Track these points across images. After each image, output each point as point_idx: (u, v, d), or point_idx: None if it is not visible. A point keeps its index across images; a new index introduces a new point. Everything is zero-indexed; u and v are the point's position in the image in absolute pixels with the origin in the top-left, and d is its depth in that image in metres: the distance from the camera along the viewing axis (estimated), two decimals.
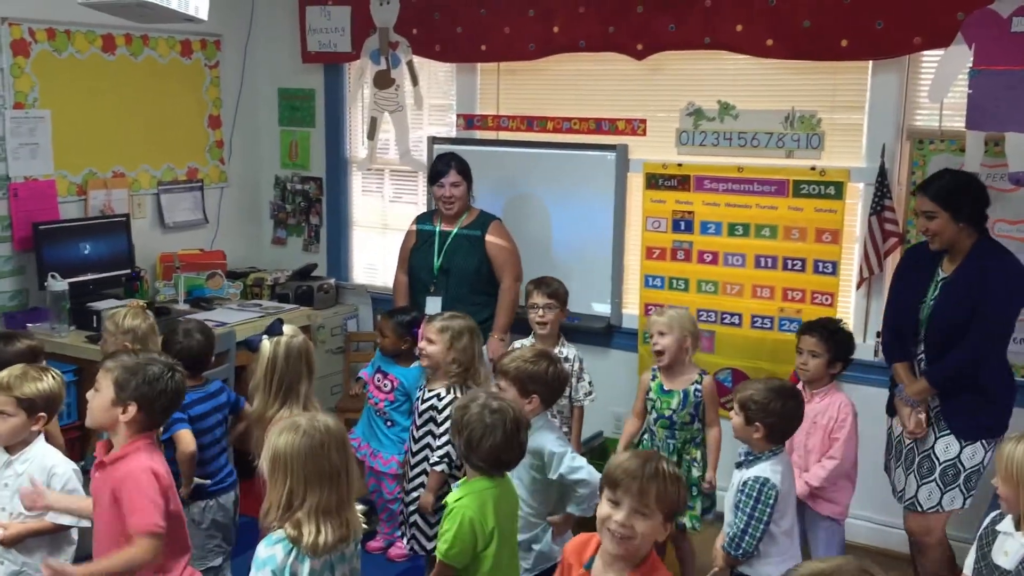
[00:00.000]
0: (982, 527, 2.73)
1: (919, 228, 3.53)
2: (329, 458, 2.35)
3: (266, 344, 3.23)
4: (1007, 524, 2.64)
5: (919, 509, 3.55)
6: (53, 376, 3.06)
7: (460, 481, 2.85)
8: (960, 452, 3.47)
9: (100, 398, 2.65)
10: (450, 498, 2.73)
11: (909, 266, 3.69)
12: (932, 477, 3.51)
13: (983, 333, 3.40)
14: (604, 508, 2.20)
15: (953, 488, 3.48)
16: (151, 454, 2.66)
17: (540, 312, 4.08)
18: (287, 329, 3.29)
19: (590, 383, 4.12)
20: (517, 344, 4.16)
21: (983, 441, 3.46)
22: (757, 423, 3.00)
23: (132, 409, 2.61)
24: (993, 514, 2.73)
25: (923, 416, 3.51)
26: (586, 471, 3.10)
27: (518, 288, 4.53)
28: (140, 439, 2.65)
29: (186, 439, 3.33)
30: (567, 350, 4.12)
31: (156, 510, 2.56)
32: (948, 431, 3.49)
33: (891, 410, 3.73)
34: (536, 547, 3.15)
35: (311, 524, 2.31)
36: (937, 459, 3.50)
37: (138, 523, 2.54)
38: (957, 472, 3.47)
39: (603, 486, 2.24)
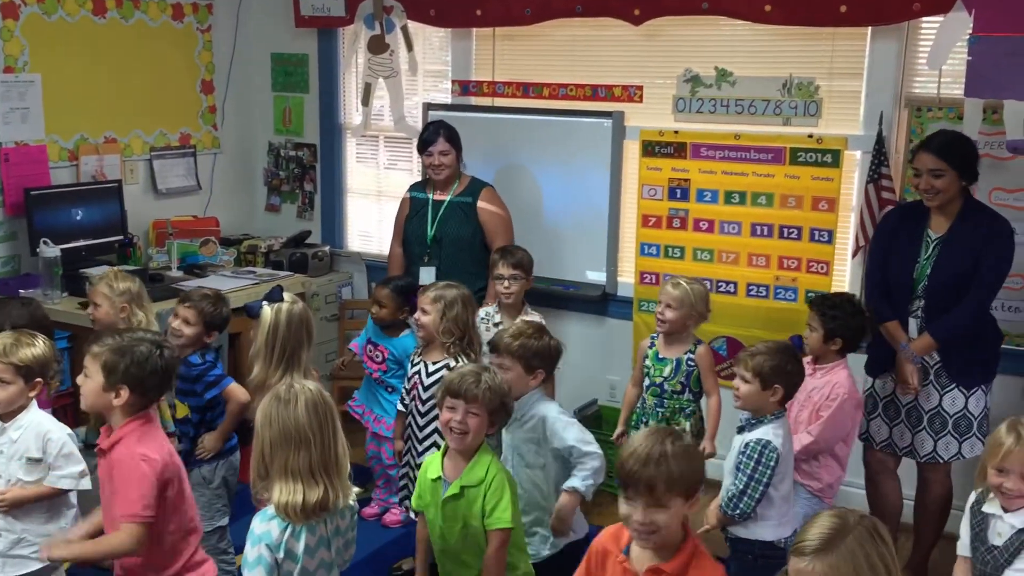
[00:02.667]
0: (968, 506, 2.78)
1: (922, 186, 3.52)
2: (296, 419, 2.33)
3: (267, 311, 3.21)
4: (995, 506, 2.69)
5: (940, 461, 3.63)
6: (43, 341, 3.05)
7: (438, 453, 2.86)
8: (966, 402, 3.56)
9: (90, 384, 2.60)
10: (472, 478, 2.70)
11: (894, 228, 3.70)
12: (946, 431, 3.59)
13: (988, 286, 3.49)
14: (623, 507, 2.17)
15: (970, 436, 3.58)
16: (142, 437, 2.60)
17: (505, 284, 4.05)
18: (287, 296, 3.28)
19: None
20: (482, 313, 4.13)
21: (983, 386, 3.58)
22: (776, 386, 3.04)
23: (124, 393, 2.58)
24: (976, 493, 2.77)
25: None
26: (596, 445, 3.09)
27: None
28: (133, 421, 2.61)
29: (237, 392, 3.44)
30: (530, 318, 4.11)
31: (141, 499, 2.51)
32: (952, 385, 3.57)
33: (873, 371, 3.76)
34: (540, 530, 3.12)
35: (285, 486, 2.31)
36: (947, 413, 3.58)
37: (123, 511, 2.52)
38: (970, 422, 3.58)
39: (618, 482, 2.20)
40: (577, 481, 3.03)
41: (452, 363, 3.54)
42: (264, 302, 3.25)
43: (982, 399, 3.58)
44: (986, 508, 2.71)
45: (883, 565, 1.89)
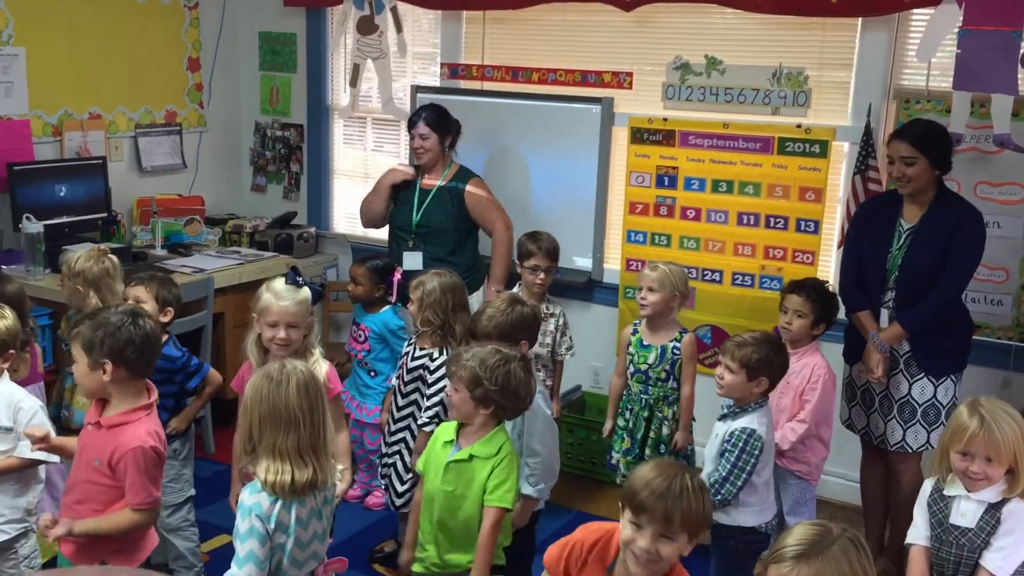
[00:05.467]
0: (927, 495, 2.76)
1: (894, 173, 3.54)
2: (287, 399, 2.33)
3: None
4: (957, 488, 2.67)
5: (909, 450, 3.65)
6: (10, 312, 3.06)
7: (439, 426, 2.86)
8: (935, 392, 3.58)
9: (79, 367, 2.62)
10: (484, 451, 2.71)
11: (868, 218, 3.72)
12: (915, 419, 3.62)
13: (958, 276, 3.50)
14: (627, 531, 2.12)
15: (938, 426, 3.59)
16: (149, 427, 2.63)
17: (541, 276, 4.07)
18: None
19: (571, 339, 4.17)
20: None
21: (951, 376, 3.59)
22: (762, 378, 3.06)
23: (109, 367, 2.57)
24: (931, 482, 2.76)
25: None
26: (550, 445, 3.08)
27: (511, 236, 4.48)
28: (139, 409, 2.62)
29: (216, 377, 3.56)
30: (554, 307, 4.15)
31: (156, 486, 2.61)
32: (921, 374, 3.59)
33: (851, 358, 3.79)
34: None
35: (273, 464, 2.31)
36: (916, 402, 3.61)
37: (140, 499, 2.57)
38: (938, 411, 3.59)
39: (625, 505, 2.15)
40: (530, 489, 3.05)
41: (435, 353, 3.52)
42: (308, 285, 3.14)
43: (951, 389, 3.60)
44: (948, 491, 2.69)
45: (864, 575, 1.87)
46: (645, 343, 3.75)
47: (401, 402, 3.62)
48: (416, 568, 2.86)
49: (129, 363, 2.60)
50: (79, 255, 3.59)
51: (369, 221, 4.76)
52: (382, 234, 4.96)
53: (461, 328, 3.53)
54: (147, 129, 5.28)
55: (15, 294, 3.39)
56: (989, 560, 2.61)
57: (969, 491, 2.66)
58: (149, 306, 3.38)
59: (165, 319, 3.44)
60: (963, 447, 2.61)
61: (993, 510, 2.63)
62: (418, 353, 3.58)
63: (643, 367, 3.74)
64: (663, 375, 3.72)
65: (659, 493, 2.06)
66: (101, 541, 2.62)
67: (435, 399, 3.45)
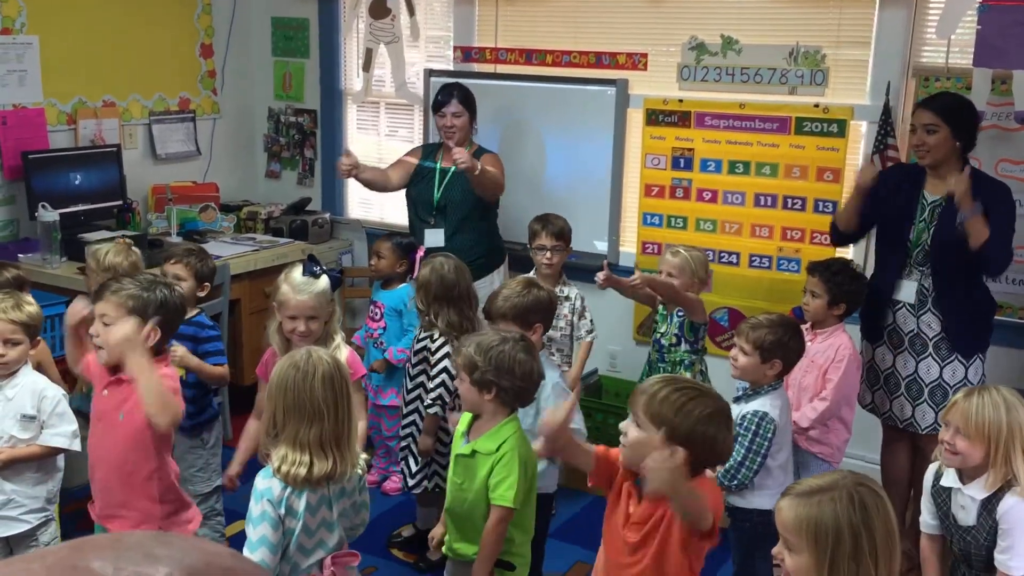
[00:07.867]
0: (930, 485, 2.73)
1: (915, 142, 3.50)
2: (312, 391, 2.32)
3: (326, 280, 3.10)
4: (952, 478, 2.63)
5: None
6: (32, 298, 3.11)
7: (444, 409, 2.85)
8: (966, 373, 3.55)
9: (119, 330, 2.60)
10: (485, 446, 2.69)
11: (888, 188, 3.65)
12: (947, 402, 3.55)
13: (1005, 235, 3.40)
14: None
15: None
16: (168, 370, 2.75)
17: (548, 255, 4.05)
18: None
19: (591, 321, 4.15)
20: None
21: (980, 355, 3.58)
22: (776, 360, 3.04)
23: (156, 332, 2.65)
24: (933, 468, 2.72)
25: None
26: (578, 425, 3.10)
27: (503, 182, 4.44)
28: (158, 361, 2.68)
29: (222, 372, 3.48)
30: (569, 289, 4.14)
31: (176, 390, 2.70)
32: (952, 356, 3.56)
33: (870, 336, 3.74)
34: None
35: (292, 454, 2.31)
36: (948, 385, 3.57)
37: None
38: None
39: None
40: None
41: (435, 334, 3.52)
42: (326, 273, 3.09)
43: (980, 368, 3.57)
44: (944, 481, 2.65)
45: (851, 533, 1.80)
46: (664, 313, 3.82)
47: (410, 385, 3.63)
48: (444, 550, 2.89)
49: (171, 328, 2.75)
50: (106, 249, 3.56)
51: (373, 182, 4.59)
52: (398, 219, 4.95)
53: (443, 322, 3.50)
54: (161, 116, 5.28)
55: (13, 280, 3.42)
56: (1000, 562, 2.57)
57: (947, 465, 2.63)
58: (188, 283, 3.42)
59: (202, 294, 3.48)
60: (945, 415, 2.62)
61: (987, 508, 2.57)
62: (422, 335, 3.59)
63: (658, 335, 3.79)
64: (673, 340, 3.74)
65: (638, 387, 2.30)
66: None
67: (437, 380, 3.46)
